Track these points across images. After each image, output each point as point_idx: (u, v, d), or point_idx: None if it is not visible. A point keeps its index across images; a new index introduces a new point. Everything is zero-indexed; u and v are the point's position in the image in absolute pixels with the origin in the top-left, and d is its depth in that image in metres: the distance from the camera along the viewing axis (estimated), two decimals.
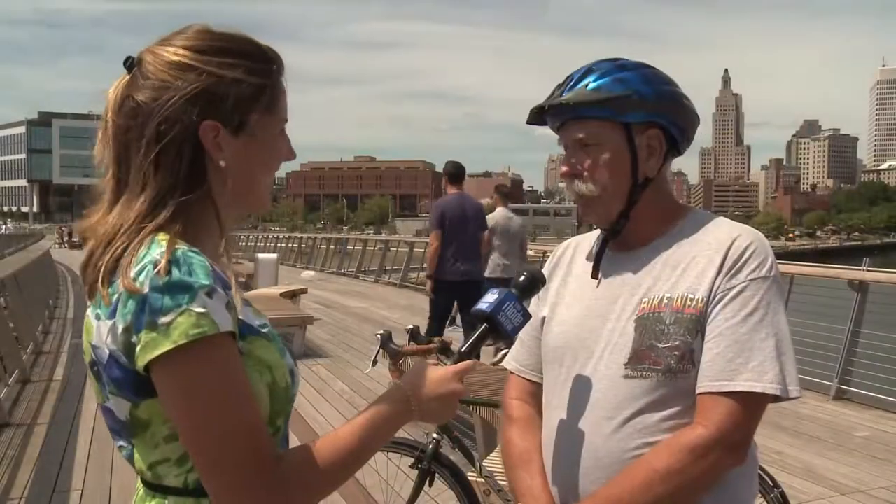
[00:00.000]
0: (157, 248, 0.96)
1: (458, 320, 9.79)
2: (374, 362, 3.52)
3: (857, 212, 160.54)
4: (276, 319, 8.12)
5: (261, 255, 15.62)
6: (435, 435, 3.04)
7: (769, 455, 4.61)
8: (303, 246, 25.32)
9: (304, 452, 1.01)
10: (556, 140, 1.41)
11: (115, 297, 0.95)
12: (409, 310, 12.09)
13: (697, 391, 1.25)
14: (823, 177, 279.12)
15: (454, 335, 7.96)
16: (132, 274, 0.94)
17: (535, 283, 1.35)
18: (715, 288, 1.27)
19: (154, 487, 1.02)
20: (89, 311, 1.01)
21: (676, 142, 1.38)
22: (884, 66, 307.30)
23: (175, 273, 0.93)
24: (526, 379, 1.52)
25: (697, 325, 1.26)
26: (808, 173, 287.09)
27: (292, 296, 10.76)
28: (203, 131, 1.01)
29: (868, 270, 6.95)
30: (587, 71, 1.35)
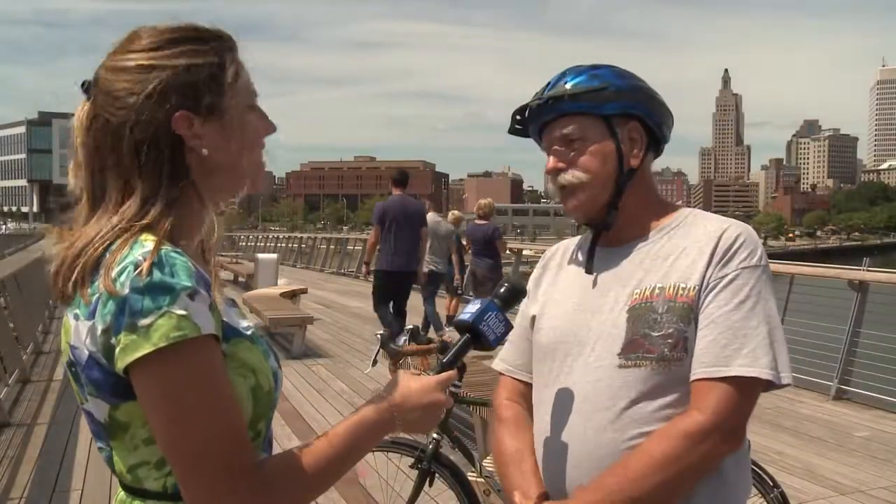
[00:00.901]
0: (139, 249, 0.94)
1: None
2: (374, 362, 3.52)
3: (857, 212, 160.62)
4: (276, 319, 8.13)
5: (261, 255, 15.62)
6: (435, 435, 3.04)
7: (769, 455, 4.61)
8: (303, 246, 25.32)
9: (284, 460, 1.00)
10: (540, 147, 1.44)
11: (95, 297, 0.94)
12: (409, 310, 12.08)
13: (692, 378, 1.26)
14: (823, 177, 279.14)
15: (454, 335, 7.94)
16: (113, 274, 0.93)
17: (517, 293, 1.36)
18: (707, 277, 1.29)
19: (133, 491, 1.01)
20: (67, 311, 1.00)
21: (655, 137, 1.42)
22: (884, 66, 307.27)
23: (156, 274, 0.92)
24: (516, 379, 1.53)
25: (690, 312, 1.28)
26: (808, 173, 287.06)
27: (292, 296, 10.77)
28: (176, 124, 1.00)
29: (868, 270, 6.94)
30: (562, 75, 1.41)
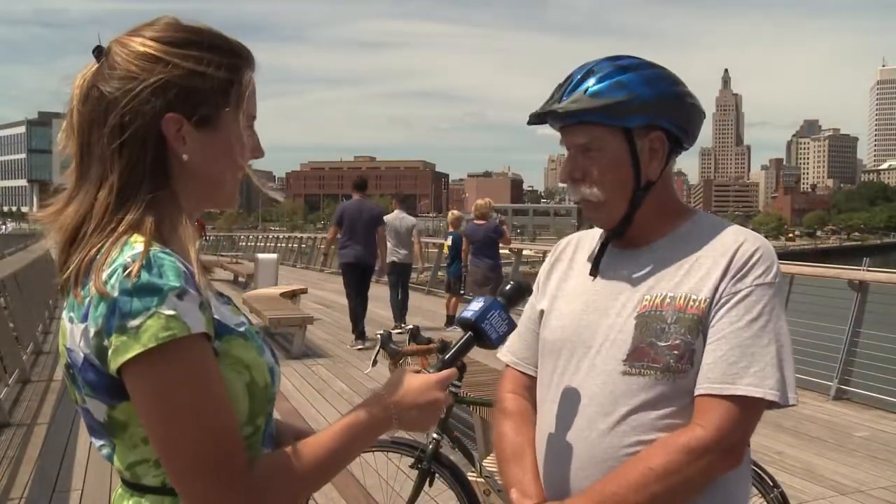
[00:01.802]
0: (129, 251, 0.95)
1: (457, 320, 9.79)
2: (374, 362, 3.51)
3: (857, 212, 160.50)
4: (276, 319, 8.13)
5: (261, 255, 15.60)
6: (435, 435, 3.04)
7: (769, 455, 4.61)
8: (303, 246, 25.30)
9: (279, 458, 1.00)
10: (558, 140, 1.40)
11: (87, 299, 0.94)
12: (409, 310, 12.08)
13: (697, 392, 1.25)
14: (823, 177, 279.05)
15: (454, 335, 7.96)
16: (104, 276, 0.93)
17: (521, 292, 1.35)
18: (720, 291, 1.27)
19: (132, 486, 1.02)
20: (63, 314, 1.00)
21: (680, 140, 1.37)
22: (884, 66, 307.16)
23: (144, 275, 0.92)
24: (522, 372, 1.52)
25: (699, 325, 1.26)
26: (808, 173, 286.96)
27: (292, 296, 10.76)
28: (165, 123, 1.00)
29: (868, 270, 6.94)
30: (588, 72, 1.33)
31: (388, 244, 9.17)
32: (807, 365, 6.55)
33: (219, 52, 1.04)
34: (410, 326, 3.60)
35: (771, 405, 1.25)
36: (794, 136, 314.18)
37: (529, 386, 1.49)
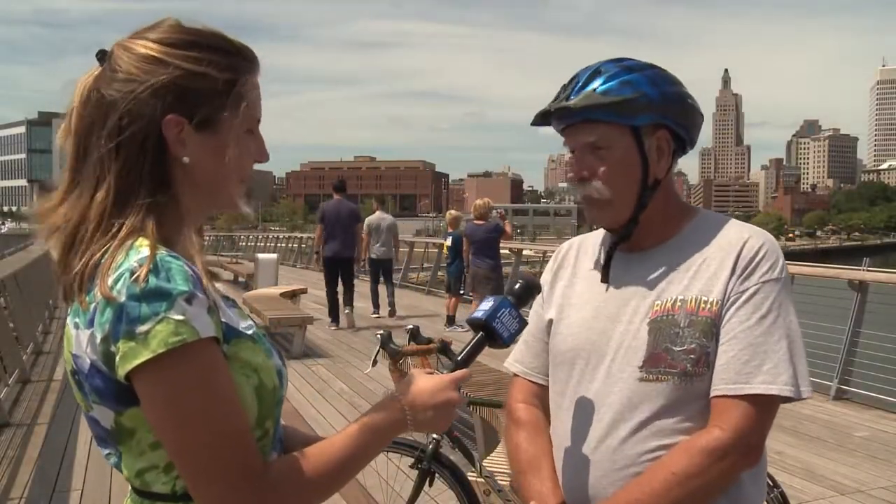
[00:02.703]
0: (135, 255, 0.93)
1: (457, 320, 9.87)
2: (374, 362, 3.51)
3: (857, 212, 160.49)
4: (276, 319, 8.13)
5: (261, 255, 15.60)
6: (435, 435, 3.04)
7: (769, 455, 4.58)
8: (303, 246, 25.28)
9: (293, 461, 0.99)
10: (561, 142, 1.39)
11: (93, 305, 0.93)
12: (408, 309, 12.08)
13: (712, 394, 1.25)
14: (823, 177, 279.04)
15: (453, 335, 7.98)
16: (109, 282, 0.92)
17: (531, 290, 1.34)
18: (728, 290, 1.27)
19: (143, 494, 1.01)
20: (68, 320, 0.99)
21: (683, 142, 1.38)
22: (884, 66, 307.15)
23: (152, 280, 0.91)
24: (532, 382, 1.50)
25: (713, 327, 1.26)
26: (808, 173, 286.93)
27: (292, 296, 10.76)
28: (166, 125, 0.98)
29: (868, 270, 6.95)
30: (594, 73, 1.33)
31: (372, 242, 10.48)
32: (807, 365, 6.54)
33: (222, 54, 1.03)
34: (410, 326, 3.60)
35: (786, 400, 1.25)
36: (794, 136, 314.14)
37: (539, 395, 1.48)
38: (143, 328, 0.90)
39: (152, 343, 0.89)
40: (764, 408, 1.24)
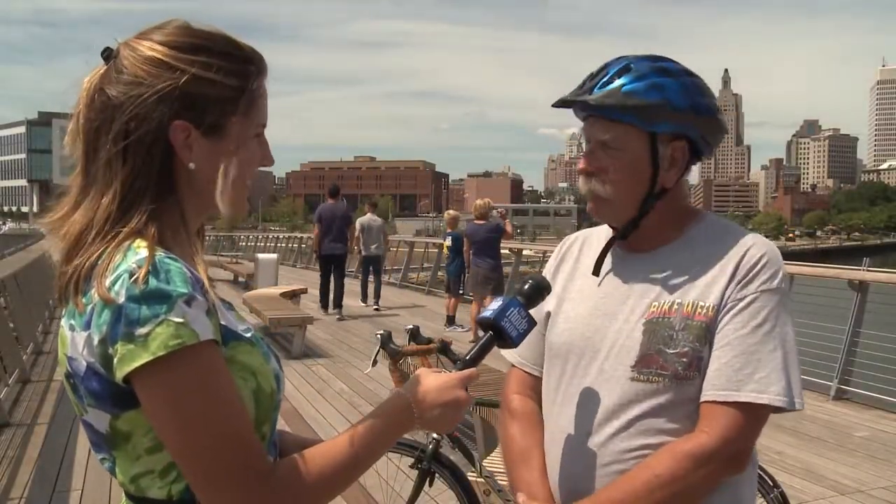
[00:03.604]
0: (133, 256, 0.93)
1: (457, 320, 9.88)
2: (374, 362, 3.51)
3: (857, 212, 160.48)
4: (276, 319, 8.13)
5: (261, 255, 15.60)
6: (435, 435, 3.04)
7: (769, 455, 4.61)
8: (303, 246, 25.28)
9: (300, 461, 0.98)
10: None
11: (90, 306, 0.92)
12: (409, 310, 12.09)
13: (702, 399, 1.25)
14: (823, 177, 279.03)
15: (453, 335, 7.98)
16: (107, 283, 0.91)
17: (540, 290, 1.33)
18: (726, 297, 1.27)
19: (137, 500, 0.99)
20: (63, 321, 0.98)
21: (700, 152, 1.36)
22: (884, 66, 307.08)
23: (152, 282, 0.90)
24: (526, 373, 1.51)
25: (707, 332, 1.26)
26: (808, 173, 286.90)
27: (292, 296, 10.76)
28: (173, 131, 0.98)
29: (868, 270, 6.95)
30: (624, 68, 1.30)
31: (363, 242, 11.59)
32: (807, 365, 6.54)
33: (230, 59, 1.02)
34: (410, 326, 3.60)
35: (778, 410, 1.24)
36: (794, 136, 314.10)
37: (535, 386, 1.49)
38: (142, 330, 0.89)
39: (152, 345, 0.89)
40: (752, 416, 1.23)
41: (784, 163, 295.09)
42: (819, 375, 6.58)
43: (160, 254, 0.94)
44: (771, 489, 3.00)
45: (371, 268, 12.05)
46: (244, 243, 30.91)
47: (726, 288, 1.27)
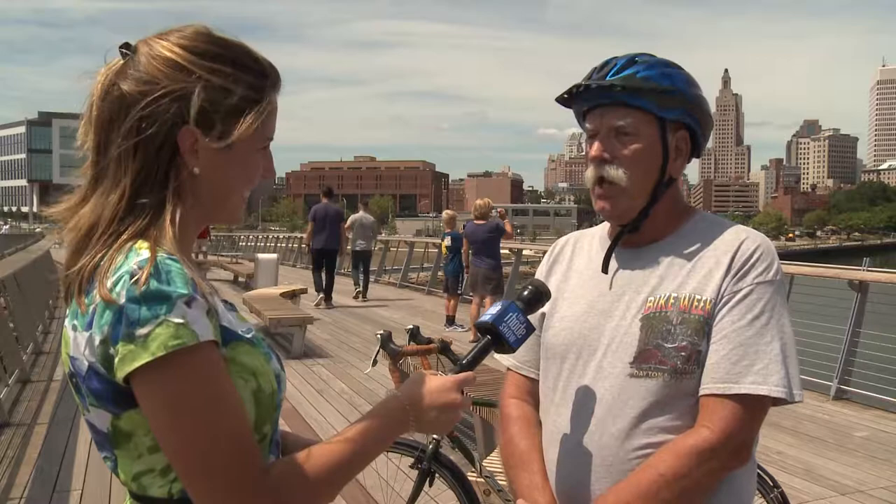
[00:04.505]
0: (135, 257, 0.93)
1: (457, 320, 9.88)
2: (374, 362, 3.51)
3: (857, 212, 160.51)
4: (276, 319, 8.13)
5: (261, 255, 15.61)
6: (435, 435, 3.04)
7: (769, 455, 4.62)
8: (303, 246, 25.29)
9: (294, 463, 0.99)
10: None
11: (92, 307, 0.93)
12: (409, 310, 12.09)
13: (701, 392, 1.26)
14: (823, 177, 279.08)
15: (453, 335, 7.98)
16: (108, 284, 0.92)
17: (540, 296, 1.33)
18: (722, 290, 1.27)
19: (139, 498, 1.00)
20: (66, 321, 0.99)
21: (696, 146, 1.39)
22: (884, 66, 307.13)
23: (152, 283, 0.91)
24: (524, 376, 1.51)
25: (704, 326, 1.27)
26: (808, 173, 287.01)
27: (292, 296, 10.76)
28: (181, 136, 0.98)
29: (868, 270, 6.96)
30: (631, 60, 1.34)
31: (354, 237, 12.74)
32: (807, 365, 6.55)
33: (246, 71, 1.03)
34: (410, 326, 3.60)
35: (777, 402, 1.24)
36: (794, 136, 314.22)
37: (532, 390, 1.49)
38: (142, 331, 0.89)
39: (152, 346, 0.89)
40: (753, 408, 1.24)
41: (784, 163, 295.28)
42: (819, 375, 6.58)
43: (162, 255, 0.95)
44: (771, 489, 2.99)
45: (360, 261, 13.27)
46: (244, 243, 30.93)
47: (722, 281, 1.28)
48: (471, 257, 9.36)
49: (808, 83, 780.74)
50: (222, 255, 24.26)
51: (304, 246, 13.72)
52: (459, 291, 10.42)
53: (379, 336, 3.40)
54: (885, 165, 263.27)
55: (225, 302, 1.07)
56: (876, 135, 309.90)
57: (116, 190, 0.98)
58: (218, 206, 1.06)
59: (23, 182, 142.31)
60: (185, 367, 0.91)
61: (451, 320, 10.07)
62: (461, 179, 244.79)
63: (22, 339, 7.70)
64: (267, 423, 1.03)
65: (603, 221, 1.46)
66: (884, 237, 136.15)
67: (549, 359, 1.43)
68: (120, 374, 0.91)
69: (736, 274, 1.28)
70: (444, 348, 3.38)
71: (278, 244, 26.81)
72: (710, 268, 1.30)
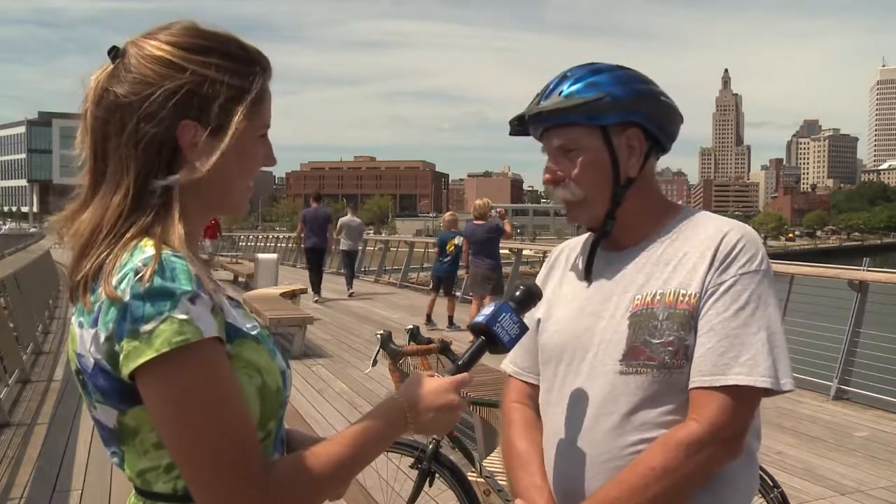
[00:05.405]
0: (139, 255, 0.94)
1: (455, 321, 9.87)
2: (374, 362, 3.52)
3: (857, 212, 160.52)
4: (276, 319, 8.13)
5: (261, 255, 15.61)
6: (435, 435, 3.04)
7: (769, 455, 4.62)
8: (303, 246, 25.27)
9: (295, 462, 0.99)
10: (540, 148, 1.43)
11: (97, 304, 0.94)
12: (409, 310, 12.10)
13: (690, 386, 1.26)
14: (823, 177, 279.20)
15: (453, 335, 7.98)
16: (113, 281, 0.93)
17: (532, 296, 1.35)
18: (706, 283, 1.28)
19: (144, 494, 1.01)
20: (73, 319, 1.00)
21: (658, 139, 1.39)
22: (884, 66, 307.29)
23: (157, 280, 0.91)
24: (524, 382, 1.53)
25: (691, 320, 1.27)
26: (808, 173, 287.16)
27: (292, 296, 10.77)
28: (181, 131, 0.99)
29: (868, 270, 6.95)
30: (562, 78, 1.38)
31: (343, 238, 13.92)
32: (807, 365, 6.56)
33: (236, 60, 1.04)
34: (410, 326, 3.61)
35: (767, 392, 1.25)
36: (794, 136, 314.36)
37: (532, 394, 1.50)
38: (146, 327, 0.90)
39: (156, 342, 0.90)
40: (742, 399, 1.23)
41: (784, 163, 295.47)
42: (819, 375, 6.58)
43: (166, 252, 0.95)
44: (771, 489, 3.00)
45: (349, 260, 14.52)
46: (244, 243, 30.93)
47: (706, 274, 1.28)
48: (470, 257, 9.36)
49: (808, 83, 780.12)
50: (222, 255, 24.24)
51: (292, 245, 15.76)
52: (455, 293, 10.38)
53: (379, 336, 3.41)
54: (885, 165, 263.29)
55: (230, 299, 1.07)
56: (876, 135, 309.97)
57: (119, 190, 0.99)
58: (222, 197, 1.07)
59: (23, 182, 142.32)
60: (188, 363, 0.91)
61: (450, 321, 10.09)
62: (461, 179, 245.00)
63: (22, 339, 7.71)
64: (272, 420, 1.03)
65: None
66: (884, 237, 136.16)
67: (546, 362, 1.45)
68: (125, 371, 0.92)
69: (720, 266, 1.28)
70: (444, 348, 3.39)
71: (278, 244, 26.80)
72: (695, 262, 1.30)
